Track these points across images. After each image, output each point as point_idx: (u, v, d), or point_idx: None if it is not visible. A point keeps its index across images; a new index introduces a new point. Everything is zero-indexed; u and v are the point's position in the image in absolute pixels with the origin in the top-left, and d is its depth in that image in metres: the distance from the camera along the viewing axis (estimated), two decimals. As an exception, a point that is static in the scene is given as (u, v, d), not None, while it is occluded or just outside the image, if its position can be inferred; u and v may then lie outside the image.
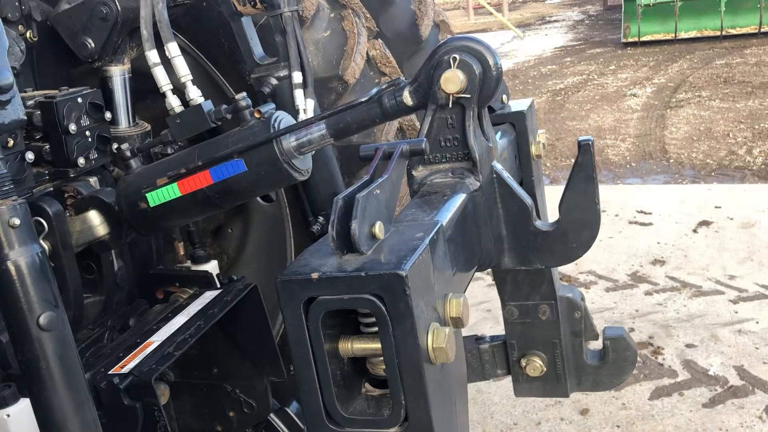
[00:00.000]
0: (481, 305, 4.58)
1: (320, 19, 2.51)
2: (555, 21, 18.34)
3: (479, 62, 1.44)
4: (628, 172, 7.14)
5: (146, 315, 2.19)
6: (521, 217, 1.52)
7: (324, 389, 1.00)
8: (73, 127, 1.88)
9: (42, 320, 1.21)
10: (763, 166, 6.77)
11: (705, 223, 5.53)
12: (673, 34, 12.72)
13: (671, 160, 7.27)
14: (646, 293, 4.61)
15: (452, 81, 1.41)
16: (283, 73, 2.09)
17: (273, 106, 1.77)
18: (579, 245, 1.53)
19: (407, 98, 1.52)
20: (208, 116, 1.78)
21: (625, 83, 10.57)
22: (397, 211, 1.37)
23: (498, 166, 1.52)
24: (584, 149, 1.48)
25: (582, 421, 3.44)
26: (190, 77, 1.83)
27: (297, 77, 2.04)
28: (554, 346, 2.12)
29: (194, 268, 2.34)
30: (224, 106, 1.78)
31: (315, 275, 0.95)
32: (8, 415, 1.54)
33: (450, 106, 1.45)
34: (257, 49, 2.16)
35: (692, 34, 12.75)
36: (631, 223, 5.71)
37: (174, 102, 1.83)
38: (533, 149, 2.02)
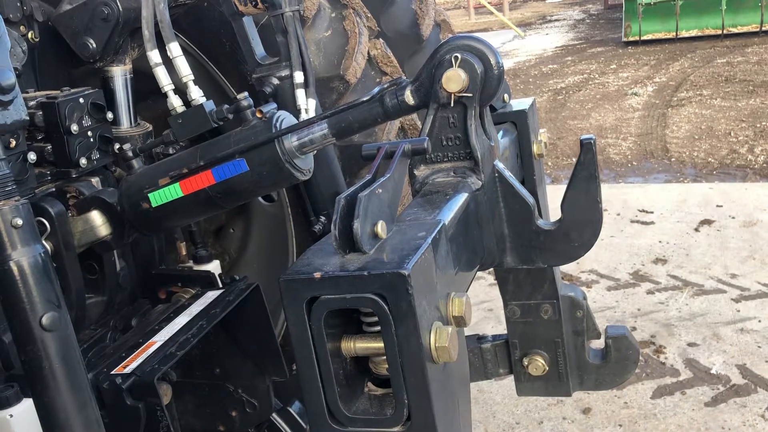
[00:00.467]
0: (483, 304, 4.58)
1: (321, 19, 2.51)
2: (556, 20, 18.33)
3: (481, 61, 1.44)
4: (630, 171, 7.13)
5: (148, 315, 2.19)
6: (523, 216, 1.52)
7: (327, 388, 1.00)
8: (74, 128, 1.88)
9: (45, 320, 1.21)
10: (764, 165, 6.76)
11: (707, 222, 5.53)
12: (674, 33, 12.70)
13: (673, 159, 7.26)
14: (648, 292, 4.61)
15: (454, 80, 1.41)
16: (284, 72, 2.09)
17: (274, 105, 1.77)
18: (581, 244, 1.52)
19: (409, 97, 1.52)
20: (209, 116, 1.78)
21: (627, 82, 10.56)
22: (399, 211, 1.37)
23: (500, 165, 1.52)
24: (586, 148, 1.48)
25: (584, 420, 3.44)
26: (192, 77, 1.83)
27: (298, 77, 2.05)
28: (556, 345, 2.12)
29: (196, 268, 2.34)
30: (226, 106, 1.78)
31: (317, 275, 0.95)
32: (11, 416, 1.54)
33: (452, 105, 1.45)
34: (258, 49, 2.16)
35: (693, 32, 12.73)
36: (632, 222, 5.71)
37: (176, 102, 1.83)
38: (535, 148, 2.02)
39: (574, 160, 8.07)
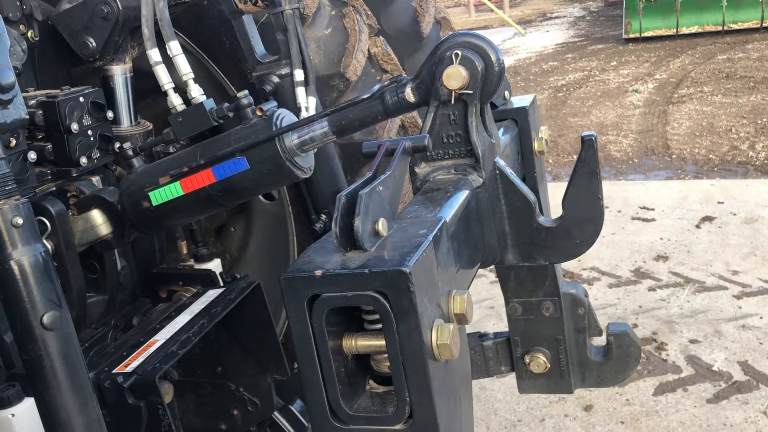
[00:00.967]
0: (485, 302, 4.58)
1: (321, 17, 2.50)
2: (556, 17, 18.31)
3: (481, 58, 1.44)
4: (631, 168, 7.13)
5: (149, 314, 2.19)
6: (524, 213, 1.51)
7: (328, 386, 1.00)
8: (75, 127, 1.88)
9: (45, 319, 1.21)
10: (765, 161, 6.76)
11: (708, 219, 5.52)
12: (675, 30, 12.68)
13: (673, 156, 7.25)
14: (650, 289, 4.61)
15: (454, 77, 1.41)
16: (284, 71, 2.09)
17: (275, 103, 1.76)
18: (582, 241, 1.52)
19: (409, 95, 1.52)
20: (210, 114, 1.77)
21: (627, 79, 10.55)
22: (400, 209, 1.36)
23: (501, 162, 1.52)
24: (587, 144, 1.47)
25: (586, 418, 3.44)
26: (192, 75, 1.83)
27: (299, 75, 2.04)
28: (558, 343, 2.12)
29: (197, 266, 2.34)
30: (226, 105, 1.78)
31: (318, 272, 0.95)
32: (13, 415, 1.54)
33: (452, 102, 1.45)
34: (258, 47, 2.15)
35: (694, 29, 12.70)
36: (633, 219, 5.70)
37: (176, 100, 1.83)
38: (536, 145, 2.01)
39: (575, 157, 8.09)
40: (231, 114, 1.76)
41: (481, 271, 1.66)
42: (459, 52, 1.42)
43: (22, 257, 1.21)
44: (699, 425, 3.29)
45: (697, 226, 5.43)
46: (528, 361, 2.14)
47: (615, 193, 6.20)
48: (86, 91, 1.94)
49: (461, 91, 1.43)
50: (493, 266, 1.76)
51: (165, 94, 1.84)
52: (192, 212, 1.87)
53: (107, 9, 2.05)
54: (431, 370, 0.95)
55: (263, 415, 2.24)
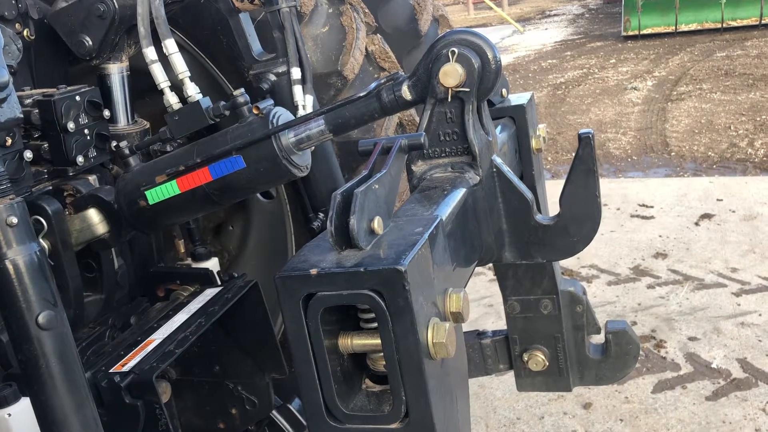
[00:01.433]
0: (483, 300, 4.58)
1: (318, 15, 2.50)
2: (555, 15, 18.30)
3: (478, 56, 1.43)
4: (630, 165, 7.12)
5: (147, 313, 2.18)
6: (522, 211, 1.51)
7: (324, 385, 0.99)
8: (71, 126, 1.87)
9: (41, 319, 1.20)
10: (764, 158, 6.75)
11: (707, 216, 5.52)
12: (674, 27, 12.67)
13: (672, 153, 7.25)
14: (649, 287, 4.61)
15: (451, 75, 1.40)
16: (281, 69, 2.08)
17: (271, 102, 1.76)
18: (580, 239, 1.52)
19: (406, 93, 1.51)
20: (206, 113, 1.77)
21: (626, 77, 10.55)
22: (397, 207, 1.36)
23: (498, 160, 1.51)
24: (584, 142, 1.47)
25: (585, 415, 3.44)
26: (188, 74, 1.82)
27: (296, 73, 2.04)
28: (556, 341, 2.12)
29: (195, 265, 2.34)
30: (222, 103, 1.77)
31: (314, 271, 0.95)
32: (9, 415, 1.53)
33: (449, 100, 1.44)
34: (255, 46, 2.15)
35: (693, 26, 12.70)
36: (632, 216, 5.70)
37: (172, 99, 1.82)
38: (533, 143, 2.01)
39: (574, 155, 8.09)
40: (227, 112, 1.75)
41: (480, 268, 1.66)
42: (455, 50, 1.41)
43: (17, 257, 1.20)
44: (698, 423, 3.29)
45: (696, 224, 5.42)
46: (526, 359, 2.14)
47: (614, 190, 6.20)
48: (83, 90, 1.93)
49: (458, 89, 1.42)
50: (491, 264, 1.76)
51: (161, 92, 1.83)
52: (189, 211, 1.87)
53: (103, 7, 2.04)
54: (427, 369, 0.94)
55: (261, 414, 2.24)
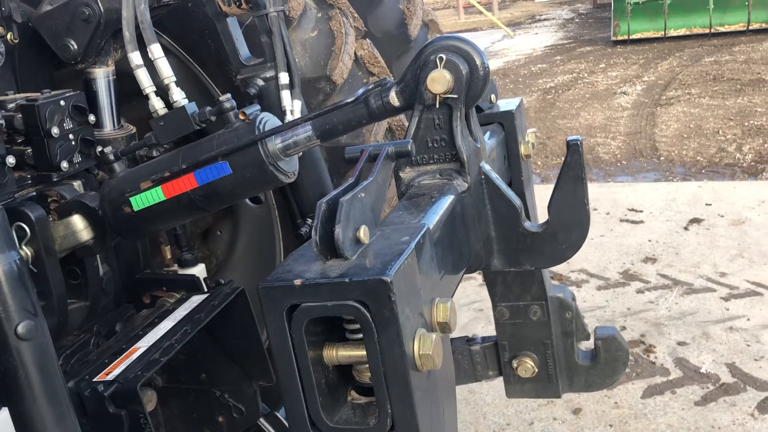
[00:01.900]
0: (473, 304, 4.57)
1: (307, 19, 2.48)
2: (545, 19, 18.36)
3: (466, 62, 1.42)
4: (619, 170, 7.14)
5: (133, 320, 2.15)
6: (510, 219, 1.50)
7: (308, 398, 0.98)
8: (55, 131, 1.85)
9: (20, 329, 1.18)
10: (753, 163, 6.79)
11: (696, 221, 5.54)
12: (663, 32, 12.75)
13: (662, 158, 7.27)
14: (638, 291, 4.61)
15: (439, 81, 1.39)
16: (269, 73, 2.06)
17: (258, 107, 1.74)
18: (569, 246, 1.51)
19: (394, 99, 1.50)
20: (192, 118, 1.75)
21: (615, 81, 10.59)
22: (385, 213, 1.34)
23: (486, 167, 1.50)
24: (573, 149, 1.46)
25: (575, 421, 3.43)
26: (174, 79, 1.80)
27: (284, 78, 2.02)
28: (545, 347, 2.11)
29: (181, 271, 2.32)
30: (208, 108, 1.75)
31: (298, 282, 0.93)
32: (-11, 425, 1.51)
33: (437, 106, 1.43)
34: (243, 50, 2.13)
35: (681, 31, 12.78)
36: (622, 221, 5.71)
37: (157, 104, 1.80)
38: (522, 149, 2.00)
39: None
40: (213, 118, 1.73)
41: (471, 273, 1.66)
42: (443, 56, 1.40)
43: (-4, 265, 1.18)
44: (687, 428, 3.29)
45: (685, 228, 5.44)
46: (516, 365, 2.13)
47: (603, 195, 6.21)
48: (67, 95, 1.91)
49: (446, 95, 1.41)
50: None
51: (146, 97, 1.81)
52: (174, 217, 1.85)
53: (89, 11, 2.01)
54: (413, 381, 0.93)
55: (249, 421, 2.21)
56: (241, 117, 1.65)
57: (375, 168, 1.11)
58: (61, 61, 2.12)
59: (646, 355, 3.90)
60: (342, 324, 1.03)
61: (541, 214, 1.90)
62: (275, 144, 1.62)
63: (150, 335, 1.93)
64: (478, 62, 1.43)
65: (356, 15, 2.70)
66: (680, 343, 3.97)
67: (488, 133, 1.86)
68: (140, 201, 1.72)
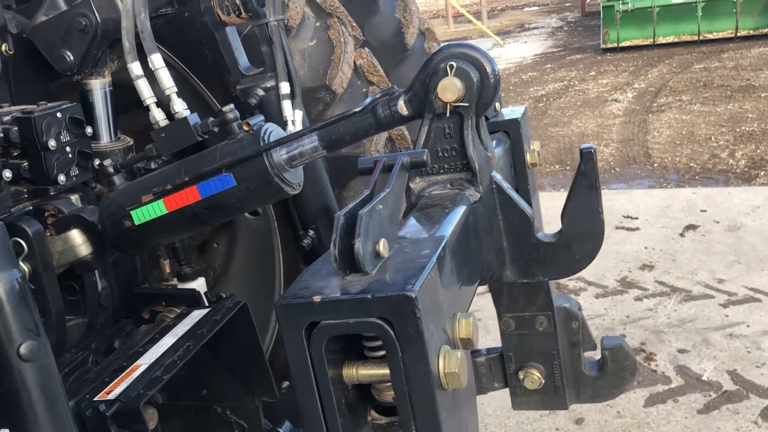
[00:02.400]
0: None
1: (306, 29, 2.45)
2: (534, 28, 18.45)
3: (477, 69, 1.40)
4: (613, 177, 7.15)
5: (132, 336, 2.10)
6: (522, 229, 1.47)
7: (328, 418, 0.94)
8: (52, 143, 1.80)
9: (23, 350, 1.13)
10: (746, 169, 6.81)
11: (691, 227, 5.54)
12: (652, 39, 12.82)
13: (655, 165, 7.29)
14: (636, 299, 4.60)
15: (450, 89, 1.37)
16: (269, 83, 2.03)
17: (262, 117, 1.70)
18: (583, 256, 1.48)
19: (402, 108, 1.47)
20: (194, 130, 1.71)
21: (606, 89, 10.62)
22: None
23: (497, 176, 1.47)
24: (586, 157, 1.43)
25: (577, 431, 3.40)
26: (175, 89, 1.76)
27: (284, 88, 1.99)
28: (552, 358, 2.08)
29: (181, 286, 2.26)
30: (211, 119, 1.71)
31: (317, 298, 0.89)
32: (-12, 449, 1.45)
33: (447, 115, 1.40)
34: (243, 60, 2.09)
35: (670, 39, 12.86)
36: (617, 228, 5.70)
37: (158, 115, 1.76)
38: (528, 157, 1.98)
39: (557, 167, 8.07)
40: (216, 129, 1.69)
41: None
42: (454, 64, 1.37)
43: (-3, 284, 1.13)
44: (691, 437, 3.27)
45: (681, 235, 5.44)
46: (522, 377, 2.10)
47: (598, 202, 6.20)
48: (64, 107, 1.86)
49: (456, 104, 1.38)
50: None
51: (147, 108, 1.77)
52: (176, 231, 1.80)
53: (85, 21, 1.97)
54: (439, 400, 0.89)
55: (251, 438, 2.16)
56: (245, 128, 1.61)
57: (391, 179, 1.08)
58: (57, 72, 2.08)
59: (647, 363, 3.88)
60: (361, 341, 0.99)
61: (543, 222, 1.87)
62: (280, 155, 1.59)
63: (151, 352, 1.88)
64: (488, 69, 1.40)
65: (354, 24, 2.67)
66: (681, 351, 3.95)
67: (494, 142, 1.84)
68: (142, 215, 1.68)
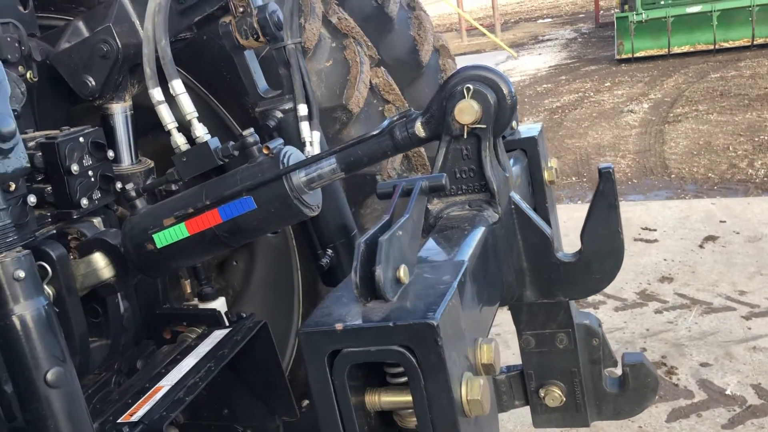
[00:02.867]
0: (491, 329, 4.51)
1: (322, 49, 2.48)
2: (548, 40, 18.44)
3: (493, 91, 1.41)
4: (630, 188, 7.10)
5: (154, 357, 2.13)
6: (542, 249, 1.47)
7: (352, 446, 0.94)
8: (75, 168, 1.84)
9: (49, 377, 1.15)
10: (765, 179, 6.74)
11: (711, 238, 5.48)
12: (667, 50, 12.75)
13: (672, 176, 7.24)
14: (656, 311, 4.55)
15: (467, 112, 1.38)
16: (287, 105, 2.05)
17: (281, 141, 1.73)
18: (603, 276, 1.48)
19: (419, 130, 1.48)
20: (215, 153, 1.73)
21: (622, 99, 10.58)
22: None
23: (516, 197, 1.48)
24: (605, 177, 1.43)
25: (599, 447, 3.37)
26: (196, 114, 1.79)
27: (302, 109, 2.01)
28: (573, 375, 2.07)
29: (202, 306, 2.29)
30: (231, 143, 1.74)
31: (339, 326, 0.90)
32: (14, 473, 1.47)
33: (465, 137, 1.41)
34: (261, 83, 2.12)
35: (685, 48, 12.78)
36: (636, 240, 5.66)
37: (180, 140, 1.79)
38: (546, 175, 1.98)
39: (574, 179, 8.02)
40: (236, 153, 1.71)
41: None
42: (471, 86, 1.39)
43: (25, 312, 1.16)
44: (715, 453, 3.23)
45: (701, 246, 5.39)
46: (543, 394, 2.08)
47: (616, 214, 6.16)
48: (86, 131, 1.90)
49: (474, 126, 1.39)
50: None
51: (168, 133, 1.80)
52: (198, 254, 1.82)
53: (106, 47, 2.01)
54: (462, 428, 0.90)
55: (272, 458, 2.17)
56: (265, 151, 1.63)
57: (410, 204, 1.09)
58: (79, 97, 2.12)
59: (668, 377, 3.84)
60: (383, 367, 1.00)
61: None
62: (300, 177, 1.60)
63: (173, 373, 1.90)
64: (505, 91, 1.41)
65: (370, 43, 2.69)
66: (703, 364, 3.91)
67: (512, 160, 1.84)
68: (163, 238, 1.70)
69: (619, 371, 2.09)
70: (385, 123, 1.51)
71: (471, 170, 1.44)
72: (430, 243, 1.28)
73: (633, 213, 6.23)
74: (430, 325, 0.87)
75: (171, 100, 1.81)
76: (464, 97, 1.39)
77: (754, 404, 3.51)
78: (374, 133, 1.51)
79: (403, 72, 3.16)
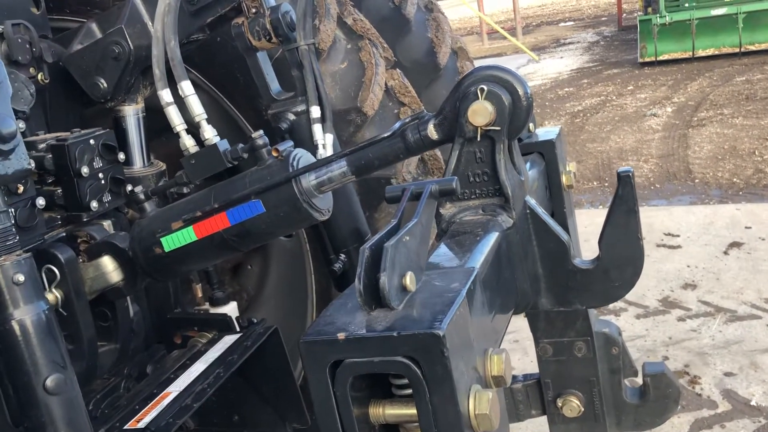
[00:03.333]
0: (509, 335, 4.45)
1: (337, 51, 2.45)
2: (570, 43, 18.29)
3: (508, 92, 1.36)
4: (653, 193, 6.99)
5: (164, 361, 2.10)
6: (558, 255, 1.42)
7: (354, 460, 0.90)
8: (85, 170, 1.82)
9: (49, 383, 1.13)
10: (792, 184, 6.60)
11: (736, 245, 5.37)
12: (691, 53, 12.57)
13: (696, 180, 7.11)
14: (679, 319, 4.46)
15: (480, 113, 1.33)
16: (300, 107, 2.02)
17: (291, 143, 1.69)
18: (622, 283, 1.42)
19: (432, 132, 1.44)
20: (224, 156, 1.71)
21: (645, 103, 10.44)
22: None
23: (531, 202, 1.43)
24: (624, 181, 1.38)
25: (619, 458, 3.28)
26: (205, 116, 1.76)
27: (315, 112, 1.98)
28: (591, 385, 2.02)
29: (213, 310, 2.26)
30: (240, 146, 1.71)
31: (341, 336, 0.86)
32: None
33: (478, 139, 1.36)
34: (274, 84, 2.09)
35: (710, 51, 12.59)
36: (658, 246, 5.56)
37: (188, 142, 1.76)
38: (564, 179, 1.92)
39: (596, 183, 7.92)
40: (246, 155, 1.68)
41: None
42: (484, 87, 1.34)
43: (24, 317, 1.13)
44: (740, 465, 3.14)
45: (725, 253, 5.27)
46: (560, 404, 2.03)
47: (638, 219, 6.06)
48: (97, 133, 1.88)
49: (488, 128, 1.35)
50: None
51: (177, 135, 1.77)
52: (206, 258, 1.80)
53: (118, 49, 2.00)
54: (469, 444, 0.85)
55: (283, 466, 2.14)
56: (274, 154, 1.60)
57: (419, 209, 1.05)
58: (90, 99, 2.11)
59: (691, 387, 3.75)
60: (387, 378, 0.96)
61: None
62: (309, 181, 1.57)
63: (182, 379, 1.87)
64: (521, 92, 1.36)
65: (385, 45, 2.66)
66: (727, 374, 3.81)
67: (528, 164, 1.79)
68: (171, 242, 1.67)
69: (639, 381, 2.03)
70: (397, 125, 1.47)
71: (485, 174, 1.39)
72: (442, 248, 1.23)
73: (656, 218, 6.12)
74: (435, 335, 0.82)
75: (180, 102, 1.79)
76: (478, 98, 1.34)
77: (781, 416, 3.41)
78: (385, 135, 1.47)
79: (420, 74, 3.12)
